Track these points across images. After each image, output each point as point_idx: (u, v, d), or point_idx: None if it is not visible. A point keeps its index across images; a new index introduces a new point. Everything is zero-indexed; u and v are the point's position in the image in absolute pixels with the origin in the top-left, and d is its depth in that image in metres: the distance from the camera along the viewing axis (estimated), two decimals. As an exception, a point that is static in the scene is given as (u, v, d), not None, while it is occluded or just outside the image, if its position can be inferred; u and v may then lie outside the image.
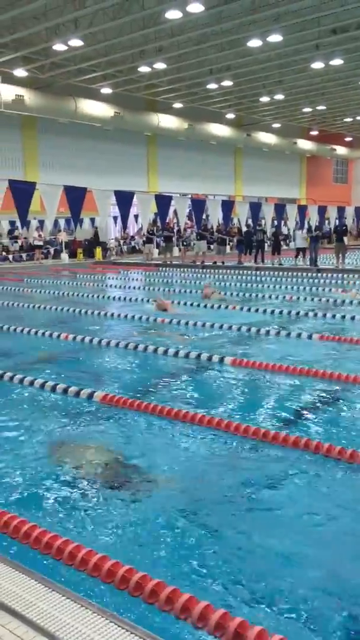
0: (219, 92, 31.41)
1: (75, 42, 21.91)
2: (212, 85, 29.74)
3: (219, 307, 12.53)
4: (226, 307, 12.51)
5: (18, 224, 28.05)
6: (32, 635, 2.41)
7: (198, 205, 16.79)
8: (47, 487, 4.31)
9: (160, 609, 2.74)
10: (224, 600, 2.99)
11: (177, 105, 33.20)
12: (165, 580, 2.88)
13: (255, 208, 18.80)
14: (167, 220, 22.11)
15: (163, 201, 14.34)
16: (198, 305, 12.82)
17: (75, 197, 10.90)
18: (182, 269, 22.98)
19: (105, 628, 2.45)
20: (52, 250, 29.25)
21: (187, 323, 10.72)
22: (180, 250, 28.81)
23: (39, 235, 27.92)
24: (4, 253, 27.62)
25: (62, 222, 28.87)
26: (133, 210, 19.79)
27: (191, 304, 12.99)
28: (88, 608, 2.58)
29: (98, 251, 28.59)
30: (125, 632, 2.43)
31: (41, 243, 28.03)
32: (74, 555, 3.09)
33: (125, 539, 3.61)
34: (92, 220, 28.60)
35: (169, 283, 18.90)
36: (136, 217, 27.28)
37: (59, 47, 22.42)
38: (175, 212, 22.68)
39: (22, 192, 9.36)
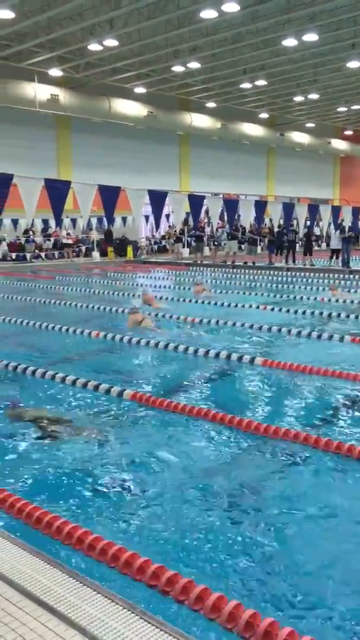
0: (253, 92, 31.29)
1: (110, 42, 22.06)
2: (246, 85, 29.63)
3: (251, 306, 12.50)
4: (258, 307, 12.47)
5: (51, 222, 28.47)
6: (63, 629, 2.44)
7: (231, 205, 16.74)
8: (85, 493, 4.36)
9: (190, 608, 2.75)
10: (254, 600, 2.98)
11: (210, 104, 33.17)
12: (195, 579, 2.89)
13: (288, 208, 18.65)
14: (198, 220, 22.12)
15: (196, 201, 14.33)
16: (229, 306, 12.80)
17: (109, 196, 10.99)
18: (212, 269, 22.96)
19: (135, 624, 2.47)
20: (83, 248, 29.52)
21: (217, 322, 10.71)
22: (210, 250, 28.80)
23: (68, 234, 28.19)
24: (37, 251, 27.97)
25: (94, 221, 29.09)
26: (164, 210, 19.84)
27: (222, 304, 12.97)
28: (118, 603, 2.60)
29: (129, 250, 28.75)
30: (154, 628, 2.45)
31: (71, 242, 28.31)
32: (105, 551, 3.13)
33: (160, 543, 3.64)
34: (124, 219, 28.74)
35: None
36: (167, 216, 27.37)
37: (94, 47, 22.60)
38: (206, 211, 22.66)
39: (57, 191, 9.49)
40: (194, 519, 3.84)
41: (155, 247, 32.83)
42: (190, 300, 13.58)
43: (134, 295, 13.56)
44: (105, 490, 4.25)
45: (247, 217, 19.49)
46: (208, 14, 19.50)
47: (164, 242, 33.21)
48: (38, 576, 2.79)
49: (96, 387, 6.65)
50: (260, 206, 17.48)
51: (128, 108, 29.79)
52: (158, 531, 3.69)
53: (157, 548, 3.46)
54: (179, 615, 2.77)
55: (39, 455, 4.87)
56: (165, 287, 17.80)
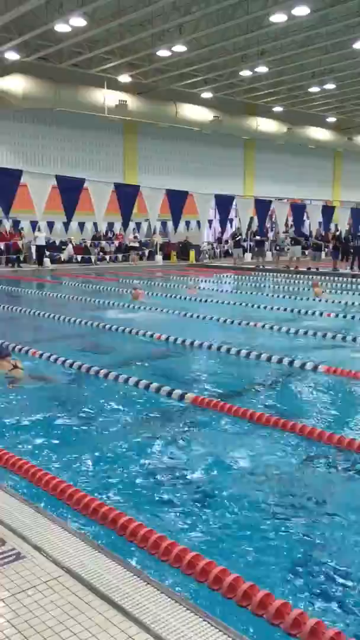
0: (321, 95, 30.86)
1: (179, 48, 22.25)
2: (314, 89, 29.27)
3: (314, 313, 12.32)
4: (321, 314, 12.29)
5: (115, 226, 29.00)
6: (127, 625, 2.49)
7: (297, 210, 16.53)
8: (153, 495, 4.42)
9: (256, 615, 2.74)
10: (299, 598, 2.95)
11: (277, 108, 32.92)
12: (258, 583, 2.88)
13: (357, 214, 18.26)
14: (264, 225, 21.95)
15: (262, 205, 14.25)
16: (292, 311, 12.68)
17: (177, 201, 11.09)
18: (274, 274, 22.76)
19: (198, 626, 2.48)
20: (146, 251, 29.88)
21: (280, 328, 10.63)
22: (273, 255, 28.56)
23: (135, 237, 28.62)
24: (101, 254, 28.52)
25: (158, 225, 29.39)
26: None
27: (284, 310, 12.85)
28: (181, 604, 2.62)
29: (191, 254, 28.90)
30: (218, 631, 2.46)
31: (137, 244, 28.72)
32: (169, 550, 3.16)
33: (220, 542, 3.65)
34: (187, 223, 28.86)
35: (260, 287, 18.79)
36: (230, 221, 27.34)
37: (162, 52, 22.86)
38: (269, 216, 22.48)
39: (126, 195, 9.67)
40: (257, 523, 3.83)
41: (218, 251, 32.83)
42: (255, 306, 13.52)
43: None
44: (169, 491, 4.29)
45: (313, 222, 19.23)
46: (278, 17, 19.37)
47: (226, 247, 33.15)
48: (104, 573, 2.85)
49: (158, 390, 6.72)
50: (328, 211, 17.19)
51: (194, 113, 29.94)
52: (221, 533, 3.70)
53: (219, 550, 3.47)
54: (241, 618, 2.76)
55: (96, 447, 4.98)
56: (226, 291, 17.79)
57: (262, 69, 25.49)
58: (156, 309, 12.90)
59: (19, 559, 2.96)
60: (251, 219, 20.25)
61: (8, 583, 2.76)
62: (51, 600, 2.64)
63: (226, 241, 32.94)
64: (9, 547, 3.08)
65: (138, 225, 28.49)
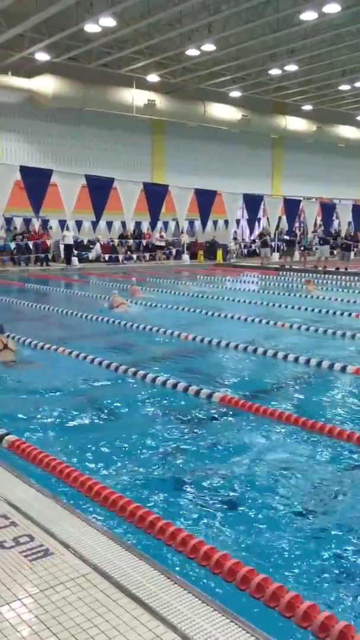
0: (351, 94, 30.54)
1: (208, 47, 22.22)
2: (344, 87, 28.98)
3: (342, 314, 12.19)
4: (350, 315, 12.14)
5: (143, 225, 29.05)
6: (154, 624, 2.48)
7: (327, 209, 16.30)
8: (174, 491, 4.42)
9: (281, 614, 2.72)
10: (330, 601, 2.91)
11: (306, 107, 32.65)
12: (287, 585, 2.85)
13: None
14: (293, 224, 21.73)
15: (291, 204, 14.13)
16: (320, 312, 12.55)
17: (205, 200, 11.06)
18: (302, 274, 22.55)
19: (226, 627, 2.47)
20: (174, 251, 29.90)
21: (308, 329, 10.53)
22: (300, 254, 28.34)
23: (161, 237, 28.68)
24: (128, 253, 28.63)
25: (185, 224, 29.37)
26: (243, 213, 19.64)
27: (312, 310, 12.74)
28: (209, 604, 2.61)
29: (219, 253, 28.84)
30: (245, 633, 2.44)
31: (163, 244, 28.76)
32: (197, 549, 3.15)
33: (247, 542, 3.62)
34: (215, 222, 28.78)
35: (287, 287, 18.64)
36: (258, 220, 27.16)
37: (191, 52, 22.84)
38: (298, 215, 22.24)
39: (155, 194, 9.68)
40: (283, 524, 3.80)
41: (245, 250, 32.68)
42: (283, 305, 13.44)
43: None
44: (197, 491, 4.28)
45: (343, 222, 19.01)
46: (308, 15, 19.20)
47: (253, 246, 32.99)
48: (131, 571, 2.85)
49: (186, 389, 6.72)
50: (358, 211, 16.91)
51: (222, 112, 29.86)
52: (249, 533, 3.68)
53: (248, 551, 3.45)
54: (270, 620, 2.74)
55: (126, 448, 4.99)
56: (252, 290, 17.71)
57: (292, 68, 25.32)
58: (183, 308, 12.89)
59: (47, 556, 2.98)
60: (279, 218, 20.03)
61: (36, 579, 2.79)
62: (79, 597, 2.65)
63: (253, 240, 32.78)
64: (38, 543, 3.10)
65: (165, 224, 28.52)
